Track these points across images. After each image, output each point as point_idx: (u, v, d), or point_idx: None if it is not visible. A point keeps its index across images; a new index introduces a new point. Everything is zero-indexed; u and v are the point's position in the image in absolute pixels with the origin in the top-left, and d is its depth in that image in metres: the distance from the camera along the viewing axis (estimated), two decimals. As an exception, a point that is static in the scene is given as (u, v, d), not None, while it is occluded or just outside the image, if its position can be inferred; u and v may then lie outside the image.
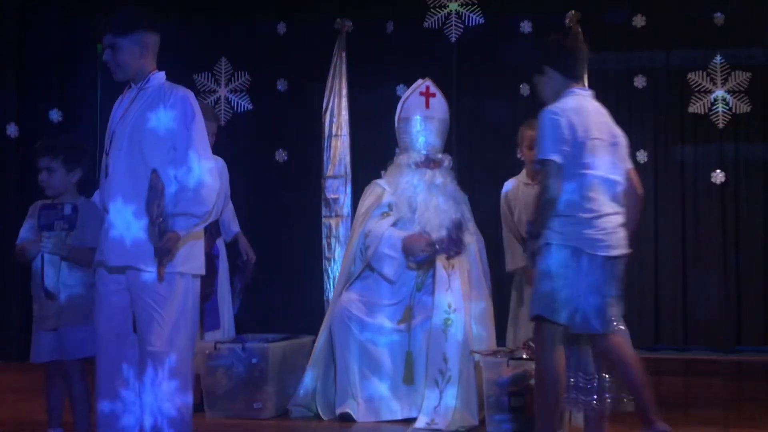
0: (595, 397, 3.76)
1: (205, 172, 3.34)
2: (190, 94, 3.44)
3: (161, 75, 3.48)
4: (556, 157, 3.49)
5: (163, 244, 3.27)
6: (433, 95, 4.97)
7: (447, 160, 4.93)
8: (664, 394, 5.55)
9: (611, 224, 3.59)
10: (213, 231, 5.04)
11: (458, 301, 4.60)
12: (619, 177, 3.65)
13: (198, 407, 4.81)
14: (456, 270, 4.68)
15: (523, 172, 5.10)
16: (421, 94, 4.97)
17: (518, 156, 5.13)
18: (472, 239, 4.89)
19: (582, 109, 3.60)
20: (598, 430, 4.00)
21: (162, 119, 3.36)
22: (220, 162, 5.18)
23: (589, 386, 3.78)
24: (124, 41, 3.40)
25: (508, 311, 5.09)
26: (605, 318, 3.58)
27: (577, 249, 3.52)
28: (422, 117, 4.91)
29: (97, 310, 3.44)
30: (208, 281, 4.98)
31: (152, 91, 3.43)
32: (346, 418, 4.62)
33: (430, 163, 4.87)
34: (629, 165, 3.73)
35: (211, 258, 4.99)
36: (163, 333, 3.32)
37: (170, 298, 3.33)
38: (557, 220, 3.56)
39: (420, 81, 5.04)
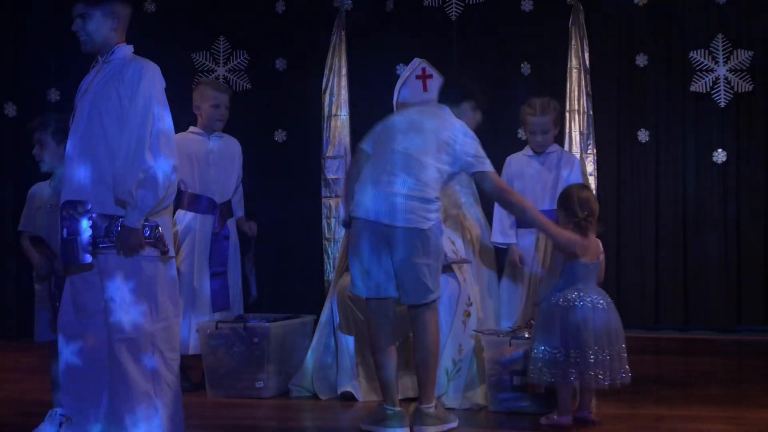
0: (572, 371, 3.89)
1: (155, 152, 3.23)
2: (150, 67, 3.32)
3: (127, 48, 3.39)
4: (364, 146, 4.13)
5: (123, 248, 3.22)
6: (430, 76, 4.87)
7: None
8: (664, 374, 5.57)
9: (376, 193, 3.92)
10: (224, 212, 5.02)
11: (473, 293, 4.58)
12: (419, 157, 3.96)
13: (199, 386, 4.84)
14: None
15: (527, 147, 5.00)
16: (418, 77, 4.88)
17: (520, 136, 5.07)
18: (477, 231, 4.85)
19: (402, 117, 4.17)
20: (581, 404, 4.05)
21: (120, 93, 3.26)
22: (233, 141, 5.17)
23: (555, 360, 3.93)
24: (96, 11, 3.33)
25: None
26: (366, 282, 4.01)
27: (352, 217, 4.01)
28: (420, 101, 4.79)
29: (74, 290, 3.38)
30: (218, 261, 4.95)
31: (115, 65, 3.34)
32: (348, 398, 4.63)
33: None
34: (484, 169, 4.04)
35: (221, 238, 4.97)
36: (130, 318, 3.26)
37: (137, 282, 3.27)
38: None
39: (416, 62, 4.92)
